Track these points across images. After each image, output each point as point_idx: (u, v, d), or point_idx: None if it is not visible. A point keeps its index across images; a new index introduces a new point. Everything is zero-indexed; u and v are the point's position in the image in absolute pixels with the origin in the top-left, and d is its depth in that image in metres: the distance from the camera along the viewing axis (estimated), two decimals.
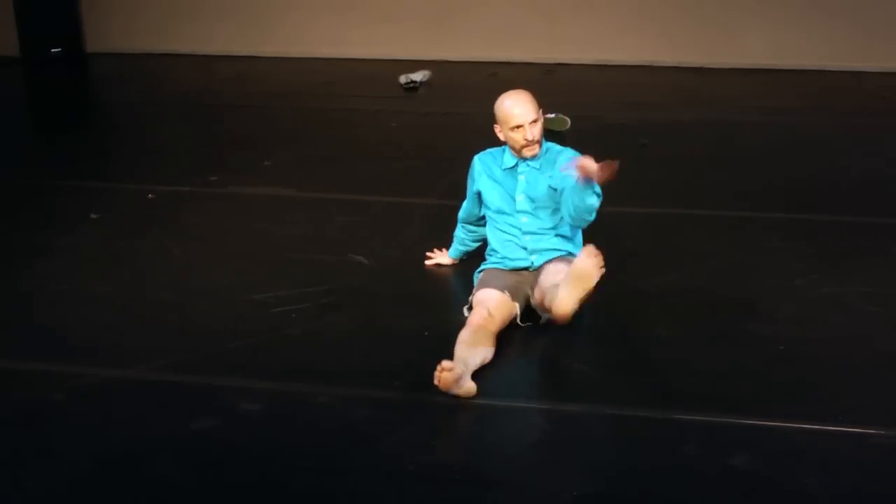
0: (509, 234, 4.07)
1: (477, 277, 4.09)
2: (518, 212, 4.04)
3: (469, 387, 3.42)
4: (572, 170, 3.67)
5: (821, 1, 8.02)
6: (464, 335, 3.65)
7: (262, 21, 8.72)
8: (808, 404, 3.46)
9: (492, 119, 4.03)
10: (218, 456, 3.20)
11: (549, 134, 6.24)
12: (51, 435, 3.31)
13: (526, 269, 4.02)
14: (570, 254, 4.01)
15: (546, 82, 7.89)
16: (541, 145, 4.01)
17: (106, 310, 4.17)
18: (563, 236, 4.05)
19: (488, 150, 4.19)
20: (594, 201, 3.72)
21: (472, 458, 3.23)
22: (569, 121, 6.36)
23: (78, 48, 8.75)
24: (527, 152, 3.97)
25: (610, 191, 5.41)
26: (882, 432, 3.29)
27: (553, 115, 6.41)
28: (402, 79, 7.73)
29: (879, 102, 7.35)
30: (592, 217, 3.84)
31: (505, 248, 4.07)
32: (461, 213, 4.36)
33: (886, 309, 4.10)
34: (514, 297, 3.90)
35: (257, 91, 7.77)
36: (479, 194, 4.16)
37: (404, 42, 8.53)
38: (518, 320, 3.88)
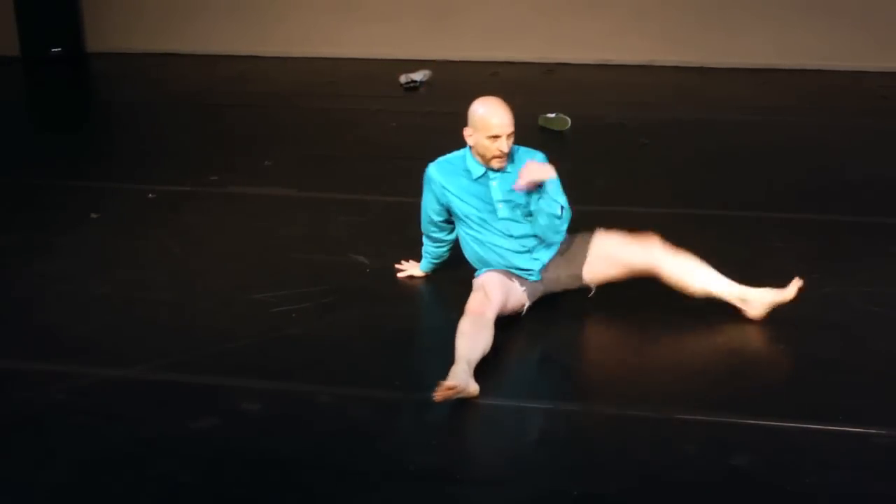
0: (496, 244, 3.95)
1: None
2: (501, 219, 3.93)
3: (472, 388, 3.37)
4: (522, 185, 3.73)
5: (821, 1, 8.03)
6: (464, 326, 3.58)
7: (262, 21, 8.73)
8: (808, 404, 3.46)
9: None
10: (218, 456, 3.20)
11: (550, 134, 6.31)
12: (51, 435, 3.31)
13: (530, 270, 3.96)
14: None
15: (546, 82, 7.90)
16: (508, 156, 3.90)
17: (106, 310, 4.17)
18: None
19: (442, 158, 4.05)
20: (558, 223, 3.82)
21: (472, 458, 3.23)
22: (569, 121, 6.37)
23: (78, 48, 8.76)
24: (495, 163, 3.86)
25: (610, 190, 5.46)
26: (882, 432, 3.29)
27: (553, 115, 6.42)
28: (403, 79, 7.74)
29: (879, 102, 7.35)
30: (561, 236, 3.94)
31: (496, 257, 3.96)
32: (423, 225, 4.17)
33: (886, 309, 4.10)
34: (522, 287, 3.89)
35: (258, 91, 7.77)
36: (447, 208, 4.02)
37: (404, 42, 8.53)
38: (523, 312, 3.87)
